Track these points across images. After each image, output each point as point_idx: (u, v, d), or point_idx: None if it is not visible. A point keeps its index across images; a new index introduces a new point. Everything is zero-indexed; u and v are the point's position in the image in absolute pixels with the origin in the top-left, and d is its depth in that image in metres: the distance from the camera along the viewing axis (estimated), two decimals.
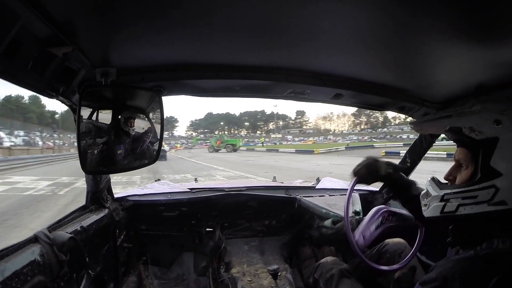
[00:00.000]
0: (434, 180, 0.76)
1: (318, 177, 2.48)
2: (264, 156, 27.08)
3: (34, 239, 0.88)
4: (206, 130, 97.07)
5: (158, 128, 0.98)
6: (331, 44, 0.79)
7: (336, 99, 1.16)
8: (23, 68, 0.67)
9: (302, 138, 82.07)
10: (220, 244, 1.88)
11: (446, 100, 1.14)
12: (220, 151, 37.02)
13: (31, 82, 0.73)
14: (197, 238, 1.92)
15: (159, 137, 0.97)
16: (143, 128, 0.97)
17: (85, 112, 0.88)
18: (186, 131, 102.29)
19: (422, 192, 0.80)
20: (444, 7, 0.56)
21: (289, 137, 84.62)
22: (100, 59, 0.84)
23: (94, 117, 0.91)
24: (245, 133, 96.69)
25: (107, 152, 0.92)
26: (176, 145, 62.46)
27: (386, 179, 1.09)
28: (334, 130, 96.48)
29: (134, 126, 0.95)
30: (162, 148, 0.98)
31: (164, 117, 0.97)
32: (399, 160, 1.56)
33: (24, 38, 0.59)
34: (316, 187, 2.13)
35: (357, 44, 0.77)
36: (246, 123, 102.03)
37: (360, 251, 1.13)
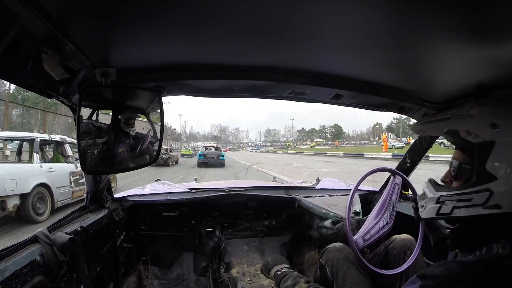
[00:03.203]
0: (431, 181, 0.76)
1: (318, 177, 2.48)
2: None
3: (34, 239, 0.88)
4: None
5: (158, 128, 0.99)
6: (331, 44, 0.79)
7: (336, 99, 1.16)
8: (23, 68, 0.67)
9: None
10: (220, 244, 1.88)
11: (446, 100, 1.14)
12: None
13: (31, 82, 0.73)
14: (197, 238, 1.92)
15: (159, 137, 0.97)
16: (143, 128, 0.97)
17: (85, 112, 0.89)
18: None
19: (419, 194, 0.80)
20: (444, 7, 0.56)
21: None
22: (100, 59, 0.84)
23: (94, 117, 0.91)
24: None
25: (107, 152, 0.92)
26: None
27: None
28: None
29: (134, 126, 0.95)
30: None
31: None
32: None
33: (24, 38, 0.59)
34: (316, 188, 2.13)
35: (357, 44, 0.77)
36: None
37: (359, 252, 1.12)
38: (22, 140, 5.48)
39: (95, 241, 1.24)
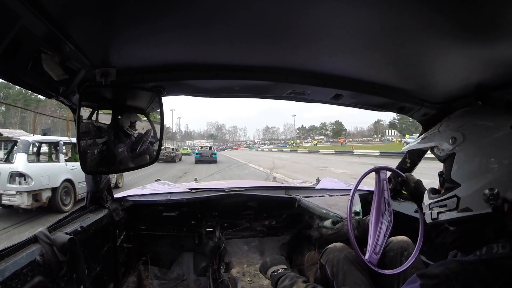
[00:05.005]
0: (428, 190, 0.83)
1: (318, 177, 2.48)
2: None
3: (34, 239, 0.88)
4: None
5: (158, 128, 0.99)
6: (331, 45, 0.79)
7: (336, 100, 1.16)
8: (23, 68, 0.67)
9: None
10: (220, 244, 1.88)
11: (446, 100, 1.14)
12: None
13: (31, 82, 0.73)
14: (197, 239, 1.92)
15: (159, 137, 0.97)
16: (143, 129, 0.97)
17: (85, 113, 0.89)
18: None
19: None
20: (444, 7, 0.56)
21: None
22: (100, 59, 0.84)
23: (94, 117, 0.91)
24: None
25: (107, 152, 0.92)
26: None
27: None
28: None
29: (136, 127, 0.96)
30: None
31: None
32: None
33: (24, 38, 0.59)
34: (316, 188, 2.13)
35: (357, 44, 0.77)
36: None
37: (376, 266, 1.09)
38: (50, 143, 6.51)
39: (95, 241, 1.24)
